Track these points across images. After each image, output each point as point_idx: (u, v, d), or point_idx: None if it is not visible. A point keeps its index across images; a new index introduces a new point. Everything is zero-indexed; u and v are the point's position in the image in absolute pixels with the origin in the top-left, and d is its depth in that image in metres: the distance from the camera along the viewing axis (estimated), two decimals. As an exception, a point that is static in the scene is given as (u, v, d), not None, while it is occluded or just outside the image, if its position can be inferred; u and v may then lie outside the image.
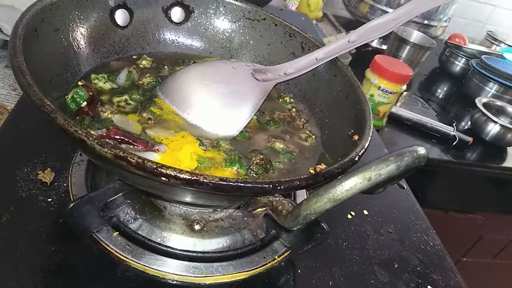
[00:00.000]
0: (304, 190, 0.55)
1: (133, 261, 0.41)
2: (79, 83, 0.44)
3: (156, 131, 0.43)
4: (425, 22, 1.41)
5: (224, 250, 0.45)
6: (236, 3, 0.59)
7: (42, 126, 0.52)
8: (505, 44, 1.71)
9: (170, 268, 0.41)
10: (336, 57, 0.53)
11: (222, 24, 0.61)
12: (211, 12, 0.60)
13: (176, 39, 0.59)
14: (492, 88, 1.25)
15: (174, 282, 0.41)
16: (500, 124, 1.05)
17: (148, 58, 0.55)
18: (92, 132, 0.38)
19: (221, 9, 0.60)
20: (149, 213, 0.45)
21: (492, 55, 1.40)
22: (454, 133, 1.03)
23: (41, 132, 0.52)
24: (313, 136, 0.52)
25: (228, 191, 0.30)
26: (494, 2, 1.89)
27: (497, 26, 1.94)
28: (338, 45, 0.53)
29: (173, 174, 0.28)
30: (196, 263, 0.42)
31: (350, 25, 1.55)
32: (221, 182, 0.29)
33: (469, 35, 1.76)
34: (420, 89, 1.35)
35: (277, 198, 0.34)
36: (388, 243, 0.54)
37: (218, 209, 0.48)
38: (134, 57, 0.55)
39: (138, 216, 0.44)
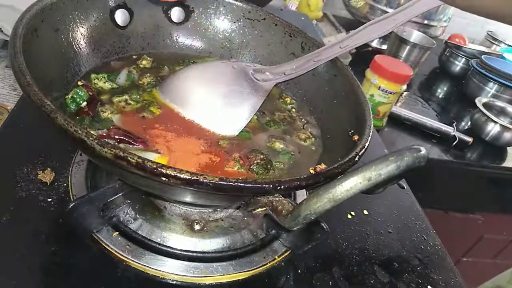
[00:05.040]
0: (304, 190, 0.55)
1: (133, 261, 0.41)
2: (79, 83, 0.44)
3: (156, 131, 0.43)
4: (425, 22, 1.41)
5: (224, 250, 0.45)
6: (236, 3, 0.59)
7: (42, 126, 0.52)
8: (505, 44, 1.71)
9: (170, 268, 0.41)
10: (336, 57, 0.53)
11: (222, 24, 0.61)
12: (211, 12, 0.60)
13: (176, 39, 0.59)
14: (492, 88, 1.25)
15: (174, 282, 0.41)
16: (500, 124, 1.05)
17: (148, 58, 0.55)
18: (92, 132, 0.38)
19: (221, 9, 0.60)
20: (149, 213, 0.45)
21: (492, 55, 1.40)
22: (454, 133, 1.03)
23: (41, 132, 0.52)
24: (313, 137, 0.52)
25: (228, 191, 0.30)
26: (494, 2, 1.89)
27: (497, 26, 1.93)
28: (337, 46, 0.53)
29: (173, 174, 0.28)
30: (196, 263, 0.42)
31: (350, 25, 1.54)
32: (221, 182, 0.29)
33: (469, 35, 1.76)
34: (420, 89, 1.35)
35: (277, 198, 0.34)
36: (388, 243, 0.54)
37: (218, 209, 0.48)
38: (134, 57, 0.55)
39: (138, 216, 0.44)
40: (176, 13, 0.58)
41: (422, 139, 1.04)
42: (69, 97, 0.41)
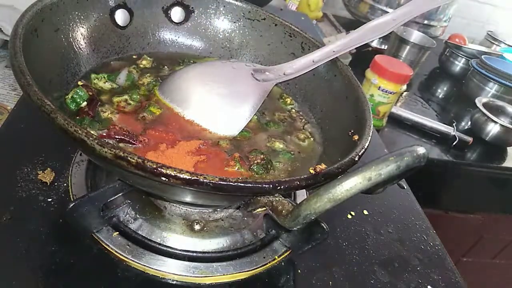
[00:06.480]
0: (304, 190, 0.55)
1: (133, 261, 0.41)
2: (79, 83, 0.44)
3: (156, 131, 0.43)
4: (425, 22, 1.41)
5: (224, 250, 0.45)
6: (236, 3, 0.59)
7: (42, 126, 0.52)
8: (505, 44, 1.71)
9: (170, 268, 0.41)
10: (336, 57, 0.53)
11: (222, 24, 0.61)
12: (211, 12, 0.60)
13: (176, 39, 0.59)
14: (492, 88, 1.25)
15: (174, 282, 0.41)
16: (500, 124, 1.05)
17: (148, 58, 0.55)
18: (92, 132, 0.38)
19: (221, 9, 0.60)
20: (149, 213, 0.45)
21: (492, 55, 1.40)
22: (454, 133, 1.03)
23: (41, 132, 0.52)
24: (313, 137, 0.52)
25: (228, 191, 0.30)
26: (494, 2, 1.89)
27: (497, 26, 1.94)
28: (335, 46, 0.53)
29: (173, 174, 0.28)
30: (196, 263, 0.43)
31: (350, 25, 1.55)
32: (221, 182, 0.29)
33: (469, 35, 1.76)
34: (420, 89, 1.35)
35: (277, 198, 0.34)
36: (388, 243, 0.54)
37: (218, 209, 0.48)
38: (134, 57, 0.55)
39: (138, 216, 0.44)
40: (176, 13, 0.58)
41: (422, 139, 1.04)
42: (69, 97, 0.41)
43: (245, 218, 0.49)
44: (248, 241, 0.47)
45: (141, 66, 0.53)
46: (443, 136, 1.05)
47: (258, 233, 0.48)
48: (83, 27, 0.48)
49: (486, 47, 1.62)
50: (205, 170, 0.40)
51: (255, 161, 0.43)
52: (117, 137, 0.40)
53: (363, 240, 0.53)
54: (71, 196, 0.45)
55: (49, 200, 0.44)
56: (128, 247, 0.42)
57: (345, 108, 0.50)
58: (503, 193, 1.14)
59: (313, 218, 0.30)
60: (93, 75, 0.47)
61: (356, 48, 0.56)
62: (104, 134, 0.40)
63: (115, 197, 0.41)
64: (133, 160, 0.28)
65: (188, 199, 0.37)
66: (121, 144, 0.40)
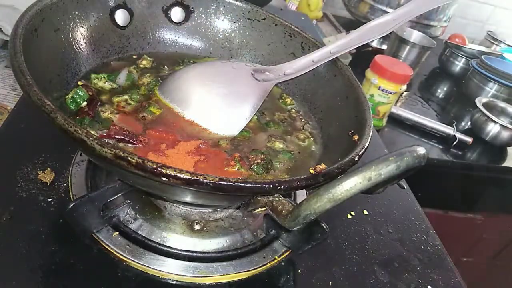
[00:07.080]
0: (304, 190, 0.55)
1: (133, 261, 0.41)
2: (79, 83, 0.44)
3: (156, 131, 0.43)
4: (425, 22, 1.41)
5: (224, 250, 0.45)
6: (236, 3, 0.59)
7: (42, 126, 0.52)
8: (505, 44, 1.71)
9: (170, 268, 0.41)
10: (336, 57, 0.53)
11: (222, 24, 0.61)
12: (211, 12, 0.60)
13: (176, 39, 0.59)
14: (492, 88, 1.25)
15: (174, 282, 0.41)
16: (500, 124, 1.05)
17: (148, 58, 0.55)
18: (92, 132, 0.38)
19: (221, 9, 0.60)
20: (149, 213, 0.45)
21: (492, 55, 1.40)
22: (454, 133, 1.03)
23: (41, 132, 0.52)
24: (313, 137, 0.52)
25: (228, 191, 0.30)
26: (494, 2, 1.89)
27: (497, 26, 1.94)
28: (335, 46, 0.53)
29: (173, 174, 0.28)
30: (196, 263, 0.43)
31: (350, 25, 1.55)
32: (221, 182, 0.29)
33: (469, 35, 1.76)
34: (420, 89, 1.35)
35: (277, 198, 0.34)
36: (388, 243, 0.54)
37: (218, 209, 0.48)
38: (134, 57, 0.55)
39: (138, 216, 0.44)
40: (176, 13, 0.58)
41: (422, 139, 1.04)
42: (69, 97, 0.41)
43: (245, 218, 0.49)
44: (248, 241, 0.47)
45: (141, 66, 0.53)
46: (443, 136, 1.05)
47: (258, 233, 0.48)
48: (83, 27, 0.48)
49: (486, 47, 1.62)
50: (205, 170, 0.40)
51: (255, 161, 0.43)
52: (117, 137, 0.40)
53: (363, 240, 0.53)
54: (71, 196, 0.45)
55: (49, 200, 0.44)
56: (128, 247, 0.42)
57: (345, 108, 0.50)
58: (503, 193, 1.14)
59: (313, 218, 0.30)
60: (93, 75, 0.47)
61: (356, 48, 0.56)
62: (104, 134, 0.40)
63: (115, 197, 0.41)
64: (133, 160, 0.28)
65: (188, 199, 0.37)
66: (121, 144, 0.40)
